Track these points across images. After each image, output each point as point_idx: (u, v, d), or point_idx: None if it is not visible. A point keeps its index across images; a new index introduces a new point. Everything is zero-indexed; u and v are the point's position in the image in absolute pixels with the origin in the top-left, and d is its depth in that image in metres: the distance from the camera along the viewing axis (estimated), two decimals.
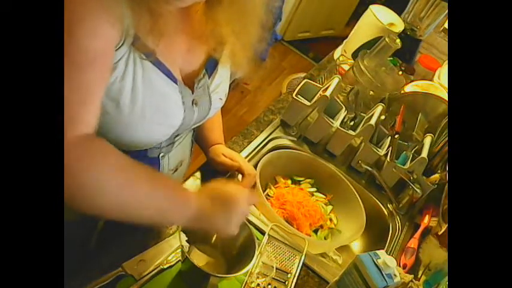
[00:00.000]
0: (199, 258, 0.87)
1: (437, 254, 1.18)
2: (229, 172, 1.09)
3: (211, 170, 1.08)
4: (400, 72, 1.58)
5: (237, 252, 0.88)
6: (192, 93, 0.81)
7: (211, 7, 0.76)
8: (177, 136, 0.88)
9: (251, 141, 1.25)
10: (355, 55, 1.61)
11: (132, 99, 0.71)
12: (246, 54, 0.84)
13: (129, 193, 0.65)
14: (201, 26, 0.79)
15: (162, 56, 0.73)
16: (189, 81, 0.80)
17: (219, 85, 0.87)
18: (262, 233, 1.02)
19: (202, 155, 1.10)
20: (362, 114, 1.36)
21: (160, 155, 0.87)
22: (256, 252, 0.85)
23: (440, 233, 1.21)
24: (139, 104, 0.72)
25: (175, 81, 0.76)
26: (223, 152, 1.08)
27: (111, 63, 0.66)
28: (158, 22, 0.68)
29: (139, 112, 0.73)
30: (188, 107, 0.80)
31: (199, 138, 1.07)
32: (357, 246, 1.31)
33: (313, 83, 1.34)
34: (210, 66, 0.84)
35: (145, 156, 0.84)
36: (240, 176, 1.08)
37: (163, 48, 0.72)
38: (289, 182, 1.25)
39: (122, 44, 0.66)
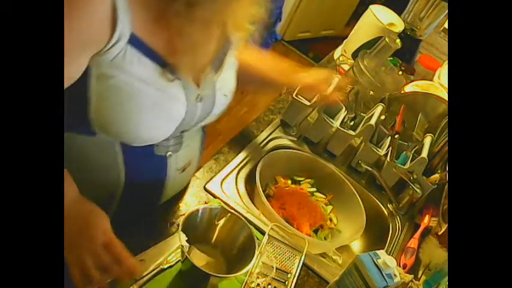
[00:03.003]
0: (199, 258, 0.87)
1: (437, 254, 1.18)
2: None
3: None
4: (400, 72, 1.58)
5: (237, 252, 0.88)
6: (198, 88, 0.81)
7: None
8: (183, 132, 0.87)
9: (251, 141, 1.25)
10: (355, 55, 1.62)
11: (130, 94, 0.72)
12: (245, 34, 0.86)
13: None
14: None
15: (165, 51, 0.74)
16: (196, 76, 0.81)
17: (225, 81, 0.87)
18: (262, 233, 1.02)
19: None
20: (362, 114, 1.36)
21: (168, 153, 0.87)
22: (256, 252, 0.85)
23: (440, 233, 1.21)
24: (138, 100, 0.73)
25: (178, 77, 0.76)
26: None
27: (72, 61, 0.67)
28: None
29: (138, 107, 0.73)
30: (191, 102, 0.80)
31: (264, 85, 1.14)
32: (357, 246, 1.31)
33: None
34: (217, 61, 0.84)
35: (151, 154, 0.85)
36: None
37: (170, 46, 0.73)
38: (289, 182, 1.25)
39: (117, 42, 0.67)
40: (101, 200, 0.85)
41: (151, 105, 0.75)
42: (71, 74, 0.68)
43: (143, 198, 0.91)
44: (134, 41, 0.69)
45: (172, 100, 0.77)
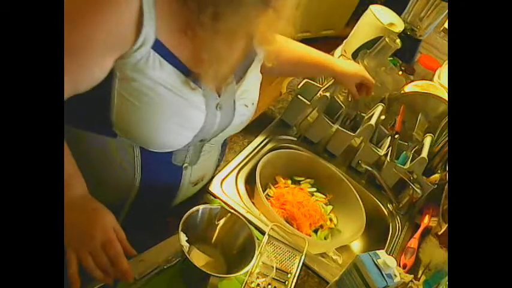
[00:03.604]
0: (199, 258, 0.87)
1: (437, 254, 1.18)
2: None
3: None
4: (400, 72, 1.58)
5: (237, 252, 0.88)
6: (218, 97, 0.81)
7: None
8: (203, 142, 0.88)
9: (251, 141, 1.25)
10: (355, 55, 1.61)
11: (152, 99, 0.73)
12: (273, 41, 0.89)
13: None
14: None
15: (189, 60, 0.75)
16: (218, 85, 0.81)
17: (246, 92, 0.87)
18: (262, 233, 1.02)
19: None
20: (362, 114, 1.36)
21: (184, 165, 0.88)
22: (256, 252, 0.85)
23: (440, 233, 1.21)
24: (159, 105, 0.74)
25: (199, 85, 0.77)
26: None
27: (87, 61, 0.68)
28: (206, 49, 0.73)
29: (159, 112, 0.74)
30: (211, 110, 0.80)
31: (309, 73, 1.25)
32: (357, 246, 1.31)
33: (313, 83, 1.34)
34: (239, 71, 0.85)
35: (169, 163, 0.85)
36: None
37: (194, 56, 0.74)
38: (289, 182, 1.25)
39: (141, 46, 0.69)
40: (114, 202, 0.86)
41: (171, 111, 0.75)
42: (96, 75, 0.69)
43: (154, 204, 0.92)
44: (158, 47, 0.71)
45: (193, 107, 0.78)
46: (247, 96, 0.88)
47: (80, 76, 0.68)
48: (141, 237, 0.89)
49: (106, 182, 0.85)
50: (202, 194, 1.05)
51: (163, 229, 0.92)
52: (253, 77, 0.89)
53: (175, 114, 0.76)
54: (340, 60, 1.28)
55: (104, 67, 0.69)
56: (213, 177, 1.09)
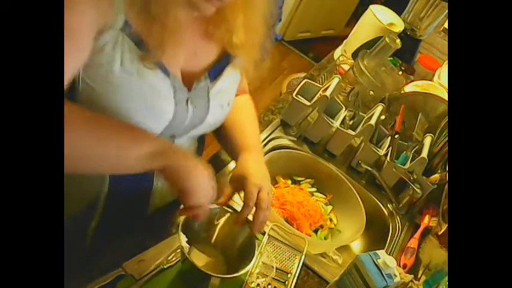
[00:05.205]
0: (199, 259, 0.87)
1: (437, 254, 1.18)
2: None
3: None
4: (400, 72, 1.59)
5: (237, 252, 0.88)
6: (189, 92, 0.79)
7: (225, 8, 0.76)
8: (173, 138, 0.85)
9: None
10: (355, 55, 1.62)
11: (117, 86, 0.70)
12: (254, 56, 0.85)
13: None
14: (213, 27, 0.79)
15: (155, 46, 0.72)
16: (189, 82, 0.80)
17: (221, 92, 0.85)
18: (262, 233, 1.02)
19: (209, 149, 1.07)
20: (362, 114, 1.36)
21: None
22: (256, 252, 0.85)
23: (440, 233, 1.21)
24: (125, 93, 0.71)
25: (167, 73, 0.75)
26: (235, 173, 0.93)
27: (84, 43, 0.65)
28: (168, 32, 0.70)
29: (124, 101, 0.72)
30: (181, 104, 0.78)
31: (224, 142, 0.99)
32: (357, 246, 1.31)
33: (313, 83, 1.34)
34: (215, 71, 0.83)
35: None
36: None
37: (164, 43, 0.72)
38: (289, 182, 1.25)
39: (109, 29, 0.67)
40: (83, 207, 0.84)
41: (139, 101, 0.73)
42: (90, 47, 0.67)
43: (127, 208, 0.88)
44: (127, 29, 0.68)
45: (161, 97, 0.75)
46: (223, 97, 0.86)
47: (79, 52, 0.65)
48: (140, 238, 0.89)
49: (71, 188, 0.77)
50: None
51: (162, 229, 0.92)
52: (230, 78, 0.87)
53: (142, 103, 0.73)
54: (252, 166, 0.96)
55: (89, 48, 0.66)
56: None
